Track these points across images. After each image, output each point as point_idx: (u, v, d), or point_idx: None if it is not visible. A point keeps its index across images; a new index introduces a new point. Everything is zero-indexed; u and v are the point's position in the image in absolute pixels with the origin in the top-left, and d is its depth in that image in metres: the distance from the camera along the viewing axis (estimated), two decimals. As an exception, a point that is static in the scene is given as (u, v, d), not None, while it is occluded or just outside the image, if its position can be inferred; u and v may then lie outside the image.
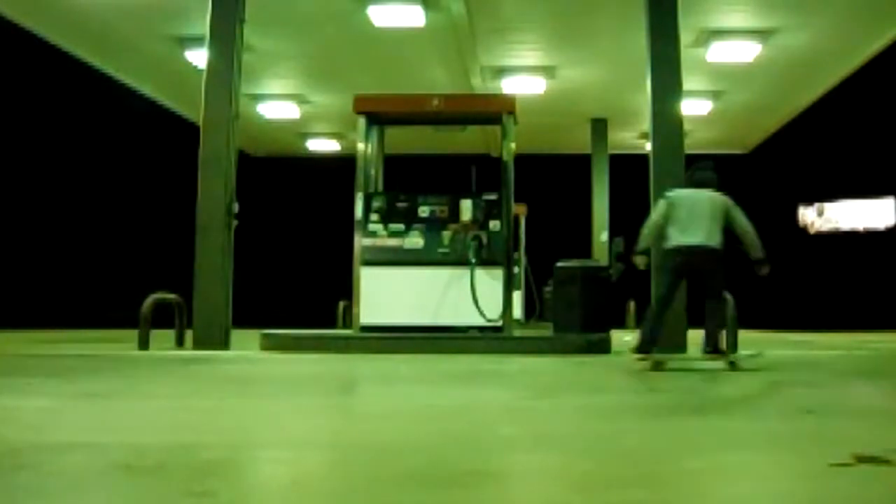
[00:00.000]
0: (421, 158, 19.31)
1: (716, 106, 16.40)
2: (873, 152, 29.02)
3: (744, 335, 9.59)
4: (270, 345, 9.55)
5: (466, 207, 9.95)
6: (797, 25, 12.37)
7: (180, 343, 10.08)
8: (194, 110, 11.98)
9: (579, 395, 5.19)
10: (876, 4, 11.54)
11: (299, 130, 19.40)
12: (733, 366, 6.98)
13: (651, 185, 9.66)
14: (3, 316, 19.06)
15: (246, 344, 9.72)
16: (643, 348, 7.07)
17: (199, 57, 11.57)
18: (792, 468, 2.71)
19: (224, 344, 9.49)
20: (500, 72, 14.61)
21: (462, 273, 9.57)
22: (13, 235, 27.44)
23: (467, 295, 9.39)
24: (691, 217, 7.17)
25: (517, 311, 14.77)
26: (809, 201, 30.62)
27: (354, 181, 10.22)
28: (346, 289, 10.50)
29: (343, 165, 13.64)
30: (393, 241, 9.93)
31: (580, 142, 18.90)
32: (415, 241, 9.90)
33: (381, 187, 10.83)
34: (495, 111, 10.70)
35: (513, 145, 10.25)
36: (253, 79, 14.10)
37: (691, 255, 7.15)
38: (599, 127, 18.43)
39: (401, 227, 9.95)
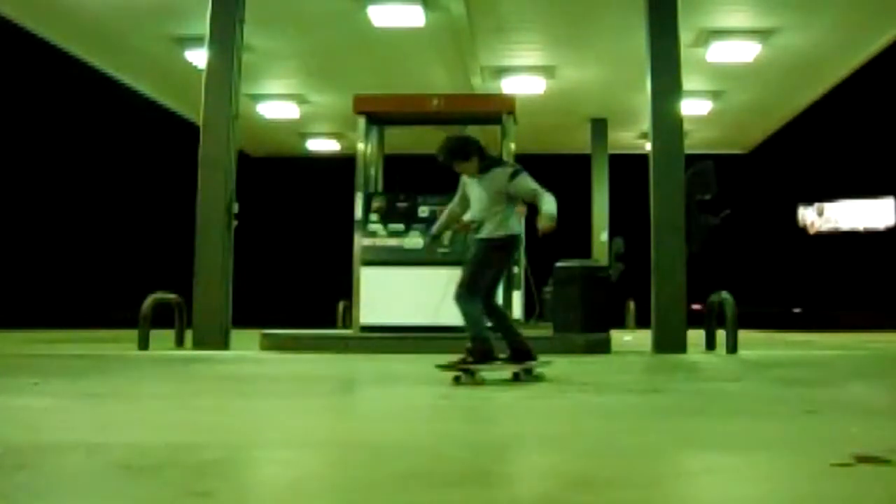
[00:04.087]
0: (421, 158, 19.26)
1: (716, 106, 16.38)
2: (873, 152, 29.04)
3: (744, 335, 9.60)
4: (270, 345, 9.55)
5: (466, 207, 9.93)
6: (797, 25, 12.36)
7: (180, 343, 10.08)
8: (194, 110, 11.97)
9: (579, 395, 5.18)
10: (876, 4, 11.53)
11: (299, 130, 19.38)
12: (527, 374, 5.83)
13: (651, 185, 9.66)
14: (3, 316, 19.07)
15: (246, 344, 9.72)
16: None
17: (199, 57, 11.55)
18: (792, 468, 2.71)
19: (224, 344, 9.49)
20: (500, 72, 14.59)
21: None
22: (14, 235, 27.45)
23: (467, 295, 9.36)
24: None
25: (517, 312, 14.75)
26: (809, 201, 30.62)
27: (354, 181, 10.23)
28: (346, 289, 10.50)
29: (343, 165, 13.63)
30: (393, 241, 9.94)
31: (580, 142, 18.89)
32: (415, 241, 9.90)
33: (380, 187, 10.82)
34: (495, 111, 10.71)
35: (513, 145, 10.25)
36: (253, 79, 14.09)
37: None
38: (599, 127, 18.41)
39: (401, 227, 9.96)
